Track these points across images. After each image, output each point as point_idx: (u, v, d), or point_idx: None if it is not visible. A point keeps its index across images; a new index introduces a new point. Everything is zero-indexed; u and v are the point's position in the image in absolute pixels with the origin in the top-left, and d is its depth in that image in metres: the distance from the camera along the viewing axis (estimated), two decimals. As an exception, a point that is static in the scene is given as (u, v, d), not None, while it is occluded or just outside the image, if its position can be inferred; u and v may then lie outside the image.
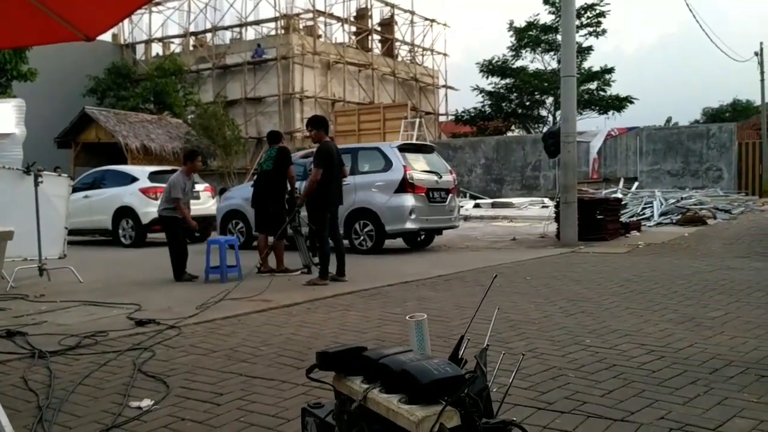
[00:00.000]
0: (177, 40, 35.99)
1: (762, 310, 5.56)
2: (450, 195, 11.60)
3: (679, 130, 23.92)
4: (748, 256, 9.43)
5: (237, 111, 30.51)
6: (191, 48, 34.35)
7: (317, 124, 7.89)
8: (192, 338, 4.96)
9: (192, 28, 34.16)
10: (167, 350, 4.62)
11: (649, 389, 3.52)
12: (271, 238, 8.76)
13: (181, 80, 30.00)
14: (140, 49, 36.04)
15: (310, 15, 32.31)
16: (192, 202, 13.55)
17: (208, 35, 33.98)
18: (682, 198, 17.82)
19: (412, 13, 36.41)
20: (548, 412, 3.21)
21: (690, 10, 42.00)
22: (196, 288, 7.62)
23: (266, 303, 6.31)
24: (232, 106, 30.67)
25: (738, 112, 44.82)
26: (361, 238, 10.95)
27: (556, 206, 12.41)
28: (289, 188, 8.70)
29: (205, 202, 14.09)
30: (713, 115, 45.65)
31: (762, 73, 29.22)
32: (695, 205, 16.94)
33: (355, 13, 34.80)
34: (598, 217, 12.08)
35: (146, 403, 3.46)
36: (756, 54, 29.66)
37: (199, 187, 14.32)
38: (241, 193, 11.77)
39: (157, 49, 36.29)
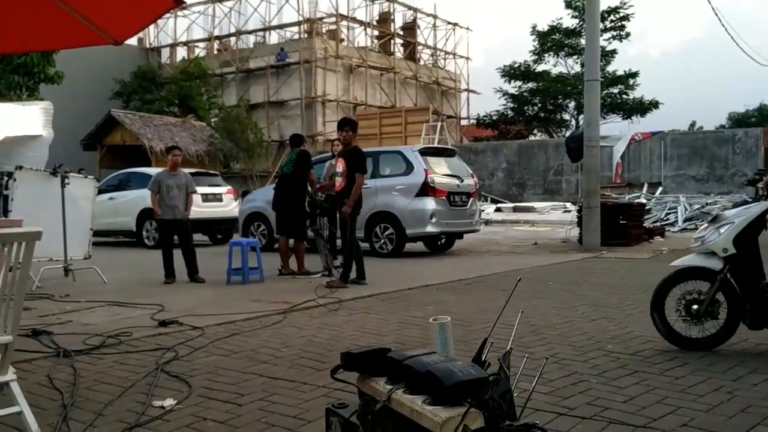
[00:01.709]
0: (201, 44, 36.31)
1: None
2: (471, 199, 11.57)
3: (704, 135, 23.61)
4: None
5: (260, 114, 30.71)
6: (215, 52, 34.64)
7: (351, 124, 7.91)
8: (214, 339, 5.01)
9: (216, 32, 34.45)
10: (190, 351, 4.66)
11: (672, 396, 3.48)
12: (292, 241, 8.81)
13: (205, 84, 30.28)
14: (165, 53, 36.43)
15: (333, 19, 32.43)
16: (213, 204, 13.83)
17: (232, 39, 34.23)
18: (707, 203, 17.58)
19: (435, 17, 36.40)
20: (569, 417, 3.19)
21: (715, 13, 41.46)
22: (218, 289, 7.68)
23: (287, 305, 6.34)
24: (255, 110, 30.87)
25: (765, 116, 44.08)
26: (382, 241, 10.97)
27: (579, 211, 12.32)
28: (310, 191, 8.75)
29: (227, 205, 14.22)
30: (739, 120, 44.95)
31: (790, 77, 28.81)
32: (721, 210, 16.66)
33: (377, 17, 34.87)
34: (621, 222, 11.97)
35: (169, 402, 3.50)
36: (784, 57, 29.23)
37: (221, 189, 14.48)
38: (263, 196, 11.85)
39: (182, 52, 36.69)
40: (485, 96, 49.65)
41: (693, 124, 43.74)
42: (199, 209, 12.13)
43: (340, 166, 7.79)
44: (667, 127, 23.43)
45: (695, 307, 4.40)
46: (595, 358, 4.31)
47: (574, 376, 3.89)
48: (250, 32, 33.98)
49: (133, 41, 35.05)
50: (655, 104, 32.83)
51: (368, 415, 1.98)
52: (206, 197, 13.61)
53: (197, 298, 6.95)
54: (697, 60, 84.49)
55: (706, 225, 4.57)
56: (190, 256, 8.31)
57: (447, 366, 1.83)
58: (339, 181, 7.81)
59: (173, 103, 29.35)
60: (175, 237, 8.42)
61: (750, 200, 4.53)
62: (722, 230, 4.34)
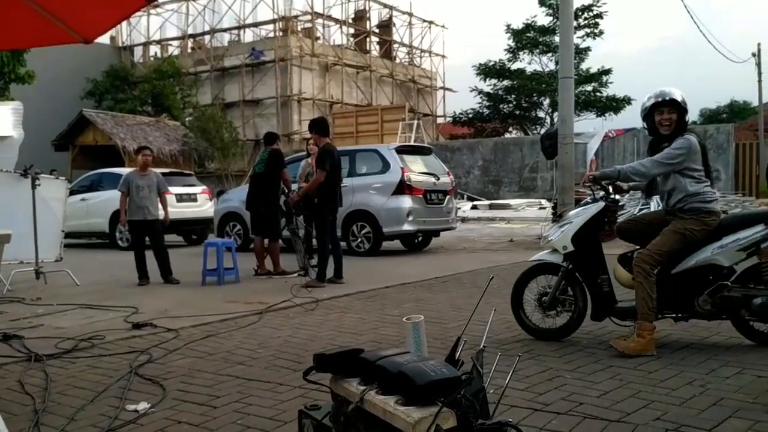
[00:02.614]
0: (175, 43, 35.93)
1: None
2: (447, 197, 11.61)
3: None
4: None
5: (235, 113, 30.50)
6: (189, 50, 34.32)
7: (313, 126, 7.92)
8: (189, 341, 4.96)
9: (190, 31, 34.12)
10: (164, 353, 4.61)
11: (646, 390, 3.52)
12: (267, 241, 8.76)
13: (179, 82, 29.98)
14: (138, 52, 36.01)
15: (309, 17, 32.30)
16: (188, 204, 13.71)
17: (206, 37, 33.93)
18: (679, 199, 17.78)
19: (411, 14, 36.42)
20: (545, 413, 3.22)
21: (688, 11, 42.03)
22: (193, 290, 7.61)
23: (263, 305, 6.30)
24: (229, 109, 30.66)
25: (735, 113, 44.91)
26: (359, 240, 10.96)
27: (554, 207, 12.41)
28: (286, 191, 8.71)
29: (202, 205, 14.11)
30: (711, 116, 45.74)
31: (759, 74, 29.27)
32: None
33: (353, 15, 34.80)
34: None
35: (143, 406, 3.46)
36: (753, 55, 29.72)
37: (196, 189, 14.35)
38: (239, 196, 11.76)
39: (155, 51, 36.28)
40: (461, 94, 49.84)
41: (665, 121, 44.20)
42: (173, 209, 11.93)
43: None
44: (640, 124, 23.67)
45: (544, 299, 4.69)
46: (570, 353, 4.35)
47: (549, 372, 3.92)
48: (225, 30, 33.71)
49: (105, 40, 34.59)
50: (628, 101, 33.20)
51: (341, 416, 1.97)
52: (180, 197, 13.49)
53: (171, 300, 6.88)
54: (670, 57, 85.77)
55: (553, 223, 4.76)
56: (162, 257, 8.22)
57: (419, 366, 1.83)
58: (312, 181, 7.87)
59: (146, 102, 29.02)
60: (147, 238, 8.32)
61: (591, 201, 4.72)
62: (563, 229, 4.65)
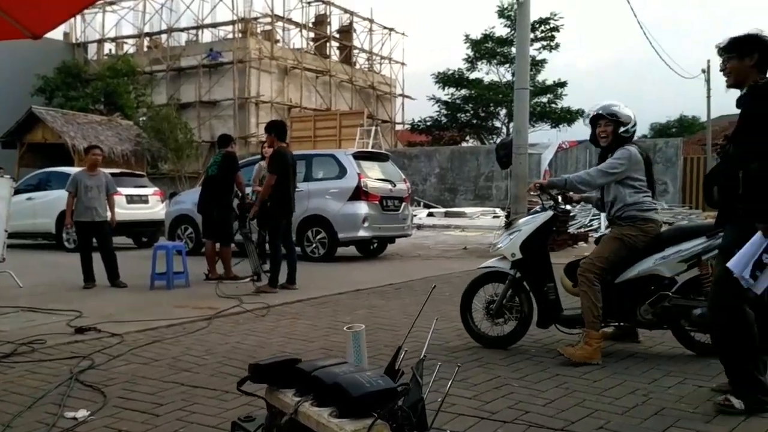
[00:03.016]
0: (131, 41, 35.26)
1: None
2: (403, 203, 11.64)
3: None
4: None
5: (191, 114, 30.05)
6: (145, 49, 33.71)
7: (272, 128, 7.84)
8: (134, 346, 4.84)
9: (147, 29, 33.52)
10: (107, 359, 4.49)
11: (590, 399, 3.58)
12: (219, 245, 8.63)
13: (133, 81, 29.39)
14: (92, 49, 35.19)
15: (268, 19, 32.09)
16: (139, 206, 13.43)
17: (163, 36, 33.38)
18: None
19: (371, 21, 36.51)
20: (491, 421, 3.23)
21: (641, 27, 43.24)
22: (140, 294, 7.45)
23: (212, 310, 6.20)
24: (185, 109, 30.20)
25: (685, 127, 46.26)
26: (314, 245, 10.89)
27: (507, 216, 12.55)
28: (239, 194, 8.60)
29: (153, 207, 13.83)
30: (661, 131, 46.98)
31: (708, 90, 30.18)
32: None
33: (313, 19, 34.71)
34: (554, 228, 12.24)
35: (82, 413, 3.36)
36: (703, 71, 30.63)
37: (147, 190, 14.07)
38: (191, 198, 11.55)
39: (109, 48, 35.52)
40: (420, 101, 50.18)
41: (617, 134, 45.22)
42: (123, 211, 11.74)
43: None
44: (593, 136, 24.13)
45: (491, 306, 4.75)
46: (518, 361, 4.39)
47: (497, 380, 3.95)
48: (182, 30, 33.24)
49: (58, 35, 33.76)
50: (582, 113, 33.86)
51: (274, 428, 1.93)
52: (131, 198, 13.21)
53: (118, 304, 6.71)
54: (625, 71, 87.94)
55: (503, 231, 4.87)
56: (110, 260, 8.03)
57: (355, 377, 1.81)
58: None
59: (99, 100, 28.36)
60: (95, 240, 8.12)
61: (540, 210, 4.82)
62: (512, 237, 4.72)
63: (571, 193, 5.01)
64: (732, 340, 3.33)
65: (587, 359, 4.25)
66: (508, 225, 5.05)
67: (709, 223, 4.50)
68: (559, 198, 4.82)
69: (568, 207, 4.94)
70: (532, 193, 4.86)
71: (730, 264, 3.18)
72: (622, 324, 4.59)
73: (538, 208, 4.93)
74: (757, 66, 3.31)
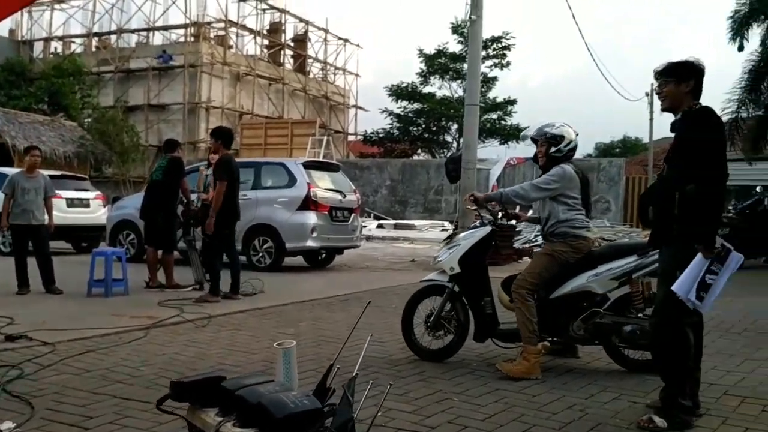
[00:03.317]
0: (79, 40, 34.38)
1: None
2: (353, 214, 11.60)
3: (572, 163, 25.04)
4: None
5: (138, 117, 29.42)
6: (93, 49, 32.88)
7: (219, 135, 7.73)
8: (66, 356, 4.66)
9: (96, 29, 32.73)
10: (37, 368, 4.31)
11: (529, 414, 3.61)
12: (161, 252, 8.42)
13: (79, 82, 28.58)
14: (39, 47, 34.15)
15: (222, 24, 31.73)
16: (79, 209, 13.02)
17: (113, 37, 32.65)
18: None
19: (326, 31, 36.49)
20: (429, 437, 3.22)
21: (588, 50, 44.44)
22: (76, 301, 7.20)
23: (151, 320, 6.03)
24: (133, 112, 29.54)
25: (628, 148, 47.70)
26: (260, 254, 10.74)
27: (455, 230, 12.67)
28: (185, 201, 8.42)
29: (95, 211, 13.43)
30: (605, 150, 48.34)
31: (651, 112, 31.10)
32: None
33: (268, 27, 34.48)
34: (493, 243, 12.41)
35: (7, 425, 3.20)
36: (647, 94, 31.56)
37: (89, 194, 13.66)
38: (135, 203, 11.24)
39: (56, 47, 34.50)
40: (373, 113, 50.26)
41: (564, 152, 46.30)
42: (63, 214, 11.39)
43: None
44: (541, 154, 24.62)
45: (430, 319, 4.82)
46: (459, 375, 4.40)
47: (438, 394, 3.95)
48: (132, 31, 32.58)
49: (3, 32, 32.69)
50: (522, 132, 34.55)
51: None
52: (71, 202, 12.80)
53: (52, 311, 6.47)
54: (572, 91, 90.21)
55: (444, 245, 4.96)
56: (45, 265, 7.75)
57: (279, 397, 1.76)
58: (210, 192, 7.67)
59: (43, 100, 27.47)
60: (31, 244, 7.82)
61: (480, 225, 4.92)
62: (451, 251, 4.79)
63: (518, 210, 5.10)
64: (672, 359, 3.42)
65: (526, 374, 4.29)
66: (449, 239, 5.08)
67: (641, 242, 4.64)
68: (500, 214, 4.91)
69: (512, 222, 5.01)
70: (467, 205, 4.93)
71: (674, 287, 3.26)
72: (556, 339, 4.67)
73: (477, 223, 5.00)
74: (693, 92, 3.44)
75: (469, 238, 4.81)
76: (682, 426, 3.33)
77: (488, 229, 4.81)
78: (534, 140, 4.70)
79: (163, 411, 2.12)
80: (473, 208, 4.89)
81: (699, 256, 3.24)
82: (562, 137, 4.58)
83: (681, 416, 3.35)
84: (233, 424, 1.79)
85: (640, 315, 4.45)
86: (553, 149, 4.60)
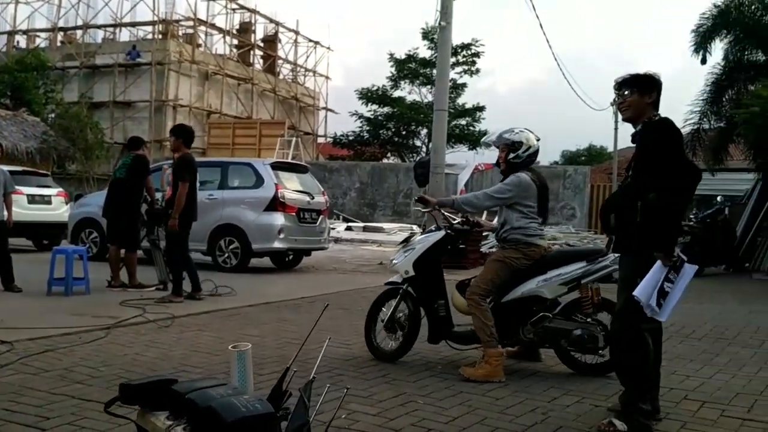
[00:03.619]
0: (43, 35, 33.64)
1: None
2: (321, 216, 11.57)
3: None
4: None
5: (104, 114, 28.88)
6: (59, 44, 32.21)
7: (181, 133, 7.63)
8: (23, 355, 4.55)
9: (61, 24, 32.07)
10: (-8, 368, 4.20)
11: (492, 417, 3.63)
12: (124, 251, 8.28)
13: (43, 76, 27.97)
14: (2, 41, 33.31)
15: (191, 23, 31.36)
16: (41, 206, 12.76)
17: (79, 32, 32.04)
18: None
19: (297, 32, 36.30)
20: (393, 439, 3.22)
21: (555, 59, 45.12)
22: (36, 300, 7.04)
23: (113, 319, 5.92)
24: (98, 109, 29.00)
25: (593, 156, 48.45)
26: (226, 255, 10.63)
27: (423, 233, 12.70)
28: (149, 199, 8.30)
29: (57, 208, 13.17)
30: (571, 158, 49.03)
31: (616, 121, 31.59)
32: (549, 239, 17.98)
33: (238, 26, 34.18)
34: (461, 246, 12.49)
35: (-41, 427, 3.12)
36: (612, 104, 32.15)
37: (51, 191, 13.39)
38: (98, 201, 11.02)
39: (19, 41, 33.72)
40: (343, 116, 50.11)
41: (531, 159, 46.88)
42: (23, 211, 11.16)
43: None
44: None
45: (382, 320, 4.90)
46: (424, 378, 4.41)
47: (402, 397, 3.95)
48: (99, 27, 32.00)
49: (-37, 24, 31.78)
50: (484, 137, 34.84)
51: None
52: (32, 198, 12.54)
53: (10, 310, 6.31)
54: (540, 98, 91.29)
55: (400, 248, 5.05)
56: (4, 262, 7.57)
57: (231, 401, 1.73)
58: (168, 190, 7.64)
59: (5, 94, 26.79)
60: None
61: (435, 229, 5.02)
62: (407, 254, 4.86)
63: (484, 217, 5.16)
64: (632, 363, 3.47)
65: (489, 377, 4.33)
66: (405, 242, 5.13)
67: (589, 248, 4.74)
68: (456, 219, 4.98)
69: (466, 228, 5.08)
70: (415, 206, 5.02)
71: (636, 293, 3.32)
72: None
73: (433, 227, 5.05)
74: (654, 104, 3.53)
75: (423, 242, 4.87)
76: (642, 429, 3.38)
77: (442, 233, 4.87)
78: (496, 145, 4.76)
79: (112, 414, 2.06)
80: (426, 210, 4.95)
81: (658, 263, 3.31)
82: (520, 143, 4.64)
83: (641, 420, 3.40)
84: (183, 428, 1.75)
85: (588, 320, 4.53)
86: (512, 155, 4.65)
